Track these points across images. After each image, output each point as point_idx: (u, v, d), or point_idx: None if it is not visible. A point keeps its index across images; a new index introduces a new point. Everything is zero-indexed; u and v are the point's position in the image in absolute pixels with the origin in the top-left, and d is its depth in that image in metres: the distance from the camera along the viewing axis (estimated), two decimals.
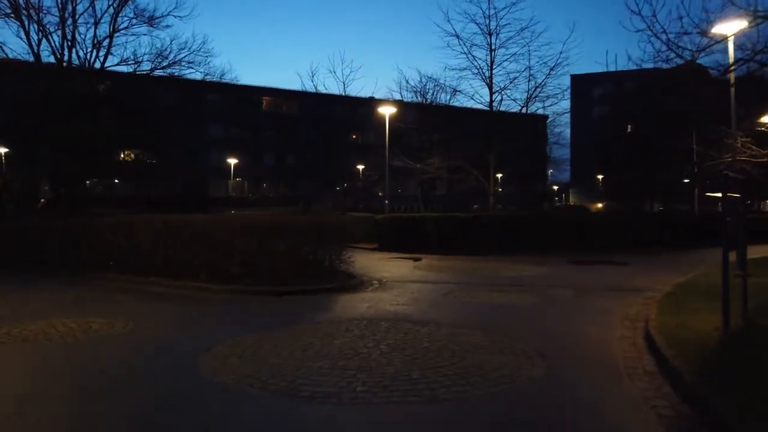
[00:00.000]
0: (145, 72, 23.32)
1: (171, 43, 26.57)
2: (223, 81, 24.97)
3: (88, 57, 22.60)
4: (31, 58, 22.40)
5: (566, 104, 43.72)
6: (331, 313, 9.14)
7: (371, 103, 38.12)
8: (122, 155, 62.14)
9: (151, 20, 22.96)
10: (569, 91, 31.00)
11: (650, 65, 11.67)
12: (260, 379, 5.39)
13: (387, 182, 24.71)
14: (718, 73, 15.02)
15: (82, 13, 22.49)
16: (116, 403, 4.89)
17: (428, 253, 20.13)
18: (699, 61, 10.76)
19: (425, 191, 46.36)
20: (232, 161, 61.66)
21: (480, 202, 62.25)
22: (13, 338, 7.20)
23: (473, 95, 35.50)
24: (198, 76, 23.91)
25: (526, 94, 25.23)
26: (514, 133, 31.87)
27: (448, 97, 26.07)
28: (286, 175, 65.55)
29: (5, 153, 31.03)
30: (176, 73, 23.32)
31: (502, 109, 25.15)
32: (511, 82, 25.15)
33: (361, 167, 58.38)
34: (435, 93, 26.48)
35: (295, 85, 53.21)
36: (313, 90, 41.58)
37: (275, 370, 5.67)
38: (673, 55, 9.57)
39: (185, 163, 60.69)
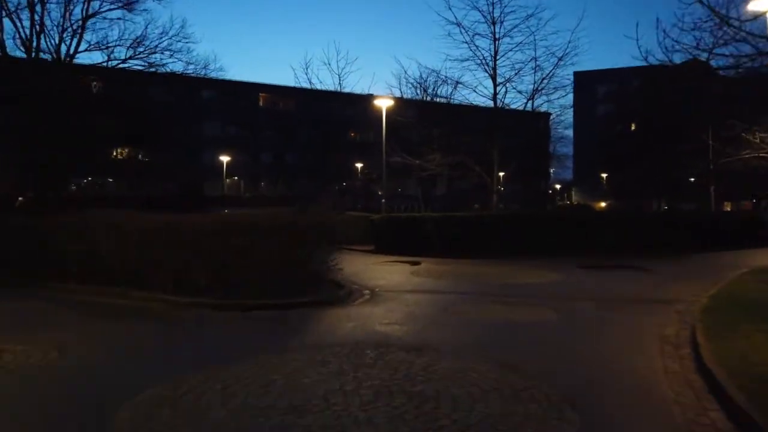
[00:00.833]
0: (120, 61, 21.69)
1: (146, 27, 24.68)
2: (210, 75, 23.37)
3: (59, 43, 20.94)
4: None
5: (571, 99, 42.00)
6: (308, 336, 7.62)
7: (370, 100, 36.60)
8: (116, 153, 60.94)
9: (128, 4, 21.29)
10: (572, 87, 29.45)
11: (689, 40, 10.06)
12: None
13: (384, 179, 23.16)
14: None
15: None
16: None
17: (428, 256, 18.63)
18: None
19: (425, 190, 44.79)
20: (229, 160, 60.16)
21: (481, 201, 60.64)
22: None
23: (476, 86, 33.96)
24: (179, 67, 22.37)
25: (531, 86, 23.75)
26: (518, 130, 30.33)
27: (450, 90, 24.64)
28: (284, 173, 63.96)
29: None
30: (156, 62, 21.76)
31: (507, 101, 23.64)
32: (516, 74, 23.64)
33: (359, 165, 56.80)
34: (436, 86, 25.04)
35: (288, 79, 51.52)
36: (306, 83, 39.97)
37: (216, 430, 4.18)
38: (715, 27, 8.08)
39: (181, 162, 59.25)
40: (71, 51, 21.29)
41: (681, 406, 4.84)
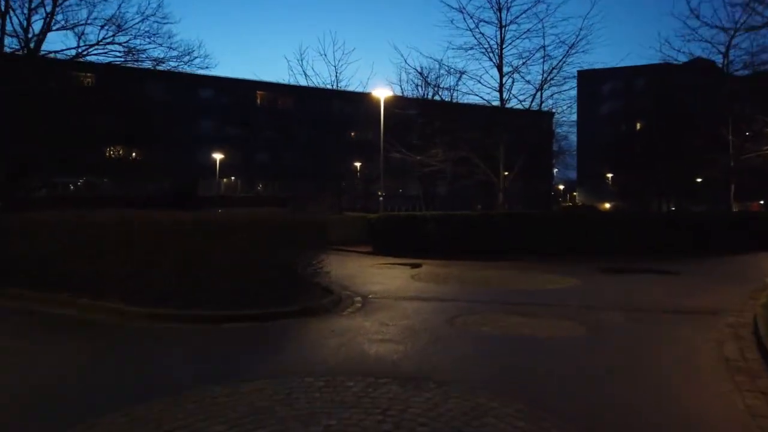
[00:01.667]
0: (92, 45, 20.08)
1: (120, 6, 22.76)
2: (195, 63, 21.75)
3: (27, 26, 19.33)
4: None
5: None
6: (280, 357, 6.11)
7: (370, 98, 35.11)
8: (109, 153, 59.42)
9: None
10: (576, 82, 27.80)
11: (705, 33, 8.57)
12: None
13: (382, 173, 21.67)
14: None
15: None
16: None
17: (429, 258, 17.17)
18: None
19: (426, 190, 43.26)
20: (226, 159, 58.78)
21: (484, 201, 59.10)
22: None
23: (482, 75, 32.36)
24: (160, 53, 20.76)
25: (540, 77, 22.23)
26: (522, 127, 28.76)
27: (455, 80, 23.10)
28: (281, 173, 62.41)
29: None
30: (136, 48, 20.20)
31: (514, 92, 22.15)
32: (523, 63, 22.13)
33: (358, 165, 55.30)
34: (438, 76, 23.45)
35: (283, 72, 49.31)
36: (302, 75, 38.42)
37: None
38: None
39: (176, 161, 57.85)
40: (39, 31, 19.64)
41: None
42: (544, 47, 21.95)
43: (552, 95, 24.06)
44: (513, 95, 22.59)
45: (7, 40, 19.79)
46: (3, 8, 19.10)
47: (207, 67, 22.55)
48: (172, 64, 21.08)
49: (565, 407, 4.33)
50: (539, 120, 32.61)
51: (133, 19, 20.50)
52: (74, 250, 9.36)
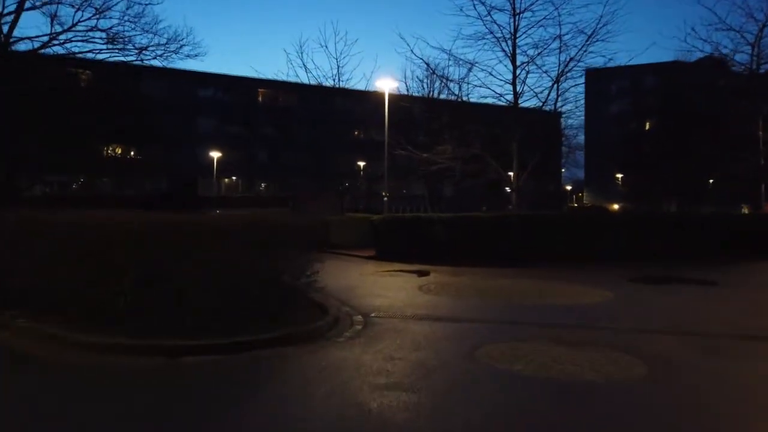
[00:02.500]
0: (66, 30, 18.43)
1: None
2: (183, 53, 20.12)
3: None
4: None
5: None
6: (246, 419, 4.49)
7: (374, 95, 33.57)
8: (106, 151, 57.94)
9: None
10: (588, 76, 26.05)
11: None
12: None
13: (386, 171, 20.05)
14: None
15: None
16: None
17: (437, 263, 15.55)
18: None
19: (432, 190, 41.53)
20: (224, 159, 57.27)
21: (491, 202, 57.41)
22: None
23: (495, 66, 30.57)
24: (144, 40, 19.12)
25: (556, 68, 20.55)
26: (535, 121, 27.08)
27: (464, 71, 21.47)
28: (282, 173, 60.83)
29: None
30: (119, 35, 18.55)
31: (529, 84, 20.44)
32: (538, 54, 20.45)
33: (362, 164, 53.68)
34: (447, 66, 21.88)
35: (281, 64, 47.02)
36: (301, 68, 36.79)
37: None
38: None
39: (173, 160, 56.43)
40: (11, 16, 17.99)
41: None
42: (560, 36, 20.31)
43: (569, 88, 22.46)
44: (529, 87, 20.88)
45: None
46: None
47: (197, 55, 20.93)
48: (158, 52, 19.43)
49: None
50: (549, 118, 31.00)
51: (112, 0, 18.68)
52: (19, 257, 7.79)
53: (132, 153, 59.66)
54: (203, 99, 61.38)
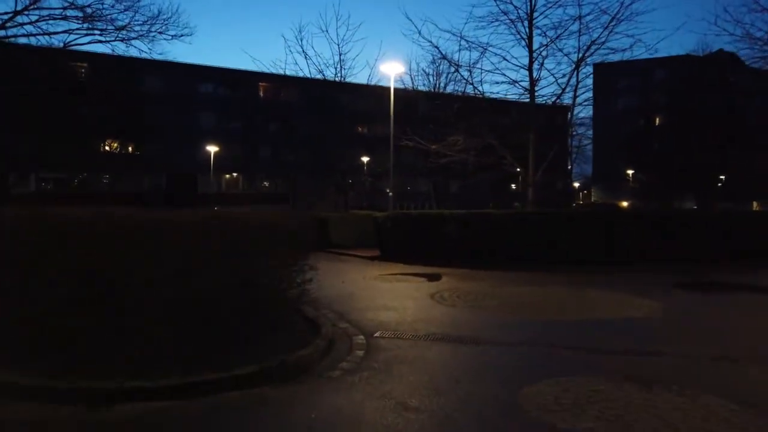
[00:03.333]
0: (30, 7, 16.59)
1: None
2: (170, 33, 18.32)
3: None
4: None
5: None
6: None
7: (378, 91, 31.95)
8: (103, 147, 56.45)
9: None
10: (593, 79, 24.16)
11: None
12: None
13: (391, 164, 18.38)
14: None
15: None
16: None
17: (449, 266, 13.99)
18: None
19: (438, 187, 39.91)
20: (224, 155, 55.74)
21: (498, 200, 55.73)
22: None
23: (509, 51, 28.89)
24: (125, 18, 17.35)
25: (576, 54, 18.81)
26: (551, 112, 25.35)
27: (477, 56, 19.77)
28: (284, 169, 59.12)
29: None
30: (96, 14, 16.79)
31: (545, 71, 18.76)
32: (557, 38, 18.72)
33: (366, 159, 51.98)
34: (459, 49, 20.19)
35: (279, 51, 44.60)
36: (301, 54, 35.02)
37: None
38: None
39: (172, 156, 54.92)
40: None
41: None
42: (580, 18, 18.57)
43: (588, 75, 20.76)
44: (548, 70, 19.19)
45: None
46: None
47: (182, 36, 19.16)
48: (141, 30, 17.64)
49: None
50: (561, 109, 29.32)
51: None
52: None
53: (130, 149, 58.20)
54: (203, 94, 59.83)
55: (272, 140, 61.61)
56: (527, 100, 19.20)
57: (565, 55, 17.81)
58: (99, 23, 16.82)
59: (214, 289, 5.66)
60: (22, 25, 16.60)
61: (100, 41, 17.52)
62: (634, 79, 73.74)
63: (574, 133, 31.15)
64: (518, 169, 26.03)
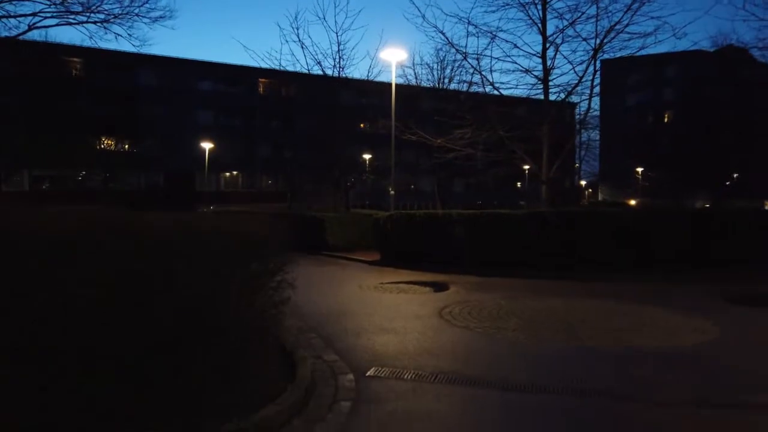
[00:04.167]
0: None
1: None
2: (151, 15, 16.80)
3: None
4: None
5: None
6: None
7: (379, 87, 30.47)
8: (99, 144, 55.00)
9: None
10: (600, 74, 22.43)
11: None
12: None
13: (393, 160, 16.86)
14: None
15: None
16: None
17: (457, 272, 12.46)
18: None
19: (441, 186, 38.25)
20: (224, 153, 54.27)
21: (504, 199, 54.14)
22: None
23: (521, 37, 27.18)
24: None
25: (595, 39, 17.17)
26: (562, 109, 23.73)
27: (486, 42, 18.18)
28: (285, 167, 57.60)
29: None
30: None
31: (559, 61, 17.14)
32: (572, 23, 17.07)
33: (368, 157, 50.41)
34: (464, 38, 18.68)
35: (274, 40, 42.74)
36: (296, 43, 33.43)
37: None
38: None
39: (170, 154, 53.45)
40: None
41: None
42: (597, 2, 16.91)
43: (597, 70, 19.05)
44: (564, 56, 17.56)
45: None
46: None
47: (161, 17, 17.61)
48: (109, 9, 16.02)
49: None
50: (561, 111, 27.77)
51: None
52: None
53: (127, 146, 56.77)
54: (202, 90, 58.37)
55: (272, 138, 60.19)
56: (538, 94, 17.66)
57: (584, 39, 16.17)
58: (70, 4, 15.28)
59: (136, 320, 4.11)
60: None
61: (70, 23, 16.01)
62: (642, 75, 72.04)
63: (589, 126, 29.45)
64: (526, 167, 24.45)
